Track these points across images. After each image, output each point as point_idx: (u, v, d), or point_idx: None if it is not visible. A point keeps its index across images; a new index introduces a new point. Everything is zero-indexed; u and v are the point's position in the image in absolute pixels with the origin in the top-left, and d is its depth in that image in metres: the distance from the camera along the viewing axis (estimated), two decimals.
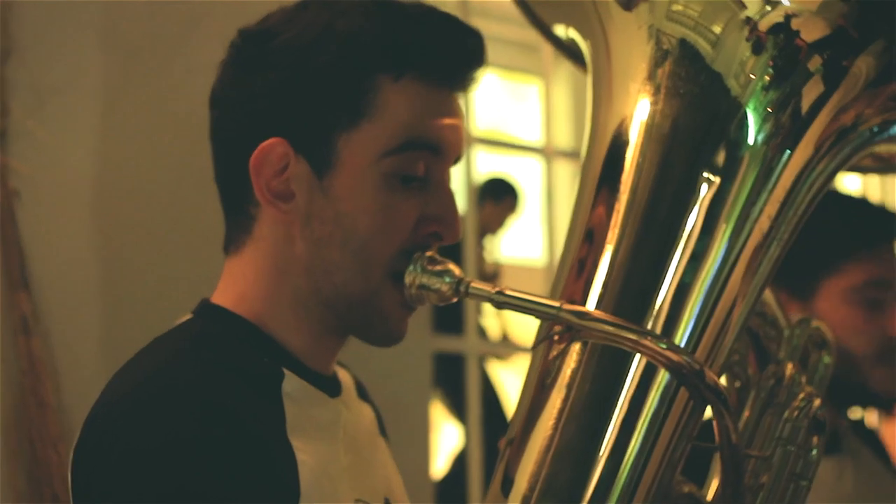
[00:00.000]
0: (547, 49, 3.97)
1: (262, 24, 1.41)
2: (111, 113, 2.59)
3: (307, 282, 1.39)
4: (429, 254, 1.37)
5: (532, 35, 1.56)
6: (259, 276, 1.40)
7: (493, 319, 5.54)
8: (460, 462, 4.54)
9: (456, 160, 1.42)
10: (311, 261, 1.38)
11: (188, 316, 1.44)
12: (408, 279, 1.36)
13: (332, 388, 1.44)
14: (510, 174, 5.73)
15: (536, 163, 4.36)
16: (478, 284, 1.33)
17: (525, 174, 5.81)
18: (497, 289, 1.31)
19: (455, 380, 3.93)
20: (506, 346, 5.62)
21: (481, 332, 4.42)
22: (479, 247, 5.38)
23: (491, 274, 5.60)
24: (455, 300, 1.35)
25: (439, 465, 5.04)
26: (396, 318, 1.39)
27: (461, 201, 3.92)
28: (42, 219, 2.47)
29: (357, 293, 1.37)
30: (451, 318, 3.72)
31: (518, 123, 6.59)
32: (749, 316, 1.35)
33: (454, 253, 3.83)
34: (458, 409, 4.62)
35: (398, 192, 1.37)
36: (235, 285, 1.42)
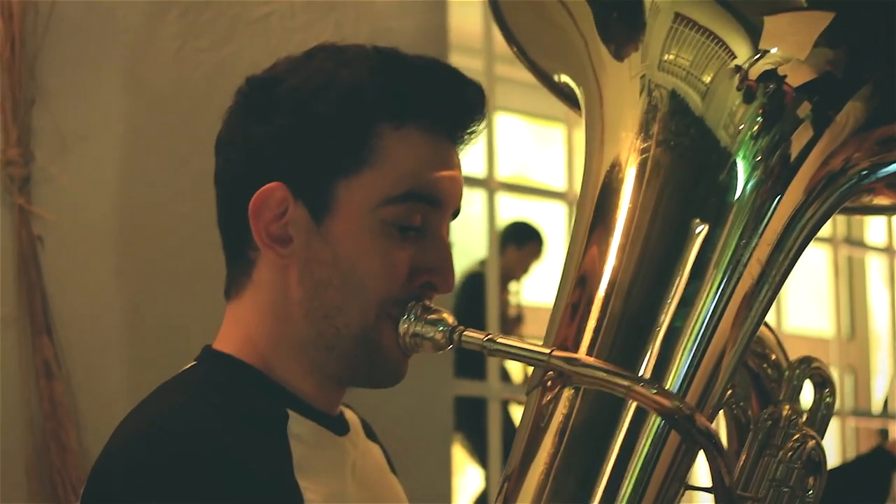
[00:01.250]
0: None
1: (269, 72, 1.45)
2: (135, 160, 2.62)
3: (308, 327, 1.41)
4: (423, 303, 1.39)
5: None
6: (260, 321, 1.43)
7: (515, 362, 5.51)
8: None
9: (455, 213, 1.45)
10: (310, 304, 1.40)
11: (192, 363, 1.46)
12: (402, 328, 1.38)
13: (338, 427, 1.46)
14: (534, 219, 5.73)
15: (560, 208, 4.38)
16: (471, 333, 1.35)
17: (549, 219, 5.81)
18: (489, 336, 1.34)
19: (477, 423, 3.94)
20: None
21: (504, 375, 4.43)
22: (504, 291, 5.38)
23: (514, 318, 5.59)
24: (449, 348, 1.37)
25: None
26: (396, 359, 1.41)
27: (485, 246, 3.94)
28: (65, 264, 2.51)
29: (357, 333, 1.39)
30: (474, 361, 3.73)
31: (542, 168, 6.59)
32: (741, 359, 1.36)
33: (478, 298, 3.85)
34: (480, 452, 4.62)
35: (394, 241, 1.39)
36: (238, 331, 1.44)
